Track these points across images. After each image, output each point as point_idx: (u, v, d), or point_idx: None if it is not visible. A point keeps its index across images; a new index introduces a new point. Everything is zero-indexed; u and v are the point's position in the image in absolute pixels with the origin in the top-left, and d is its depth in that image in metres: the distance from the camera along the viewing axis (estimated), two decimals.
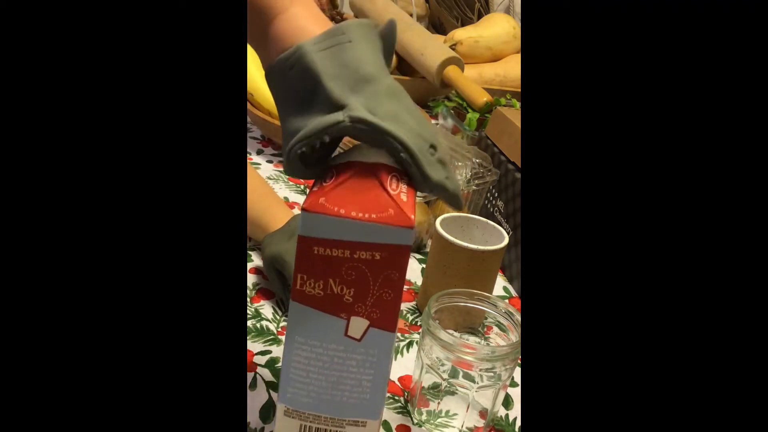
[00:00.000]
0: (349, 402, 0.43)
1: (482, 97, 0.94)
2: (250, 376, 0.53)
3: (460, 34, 1.19)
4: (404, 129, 0.38)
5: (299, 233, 0.39)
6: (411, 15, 1.33)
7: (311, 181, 0.86)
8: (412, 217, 0.39)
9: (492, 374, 0.49)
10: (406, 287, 0.70)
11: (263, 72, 0.91)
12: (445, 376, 0.49)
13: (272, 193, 0.69)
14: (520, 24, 1.26)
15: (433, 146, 0.40)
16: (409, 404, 0.53)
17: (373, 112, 0.38)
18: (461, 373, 0.49)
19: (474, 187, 0.71)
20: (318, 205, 0.38)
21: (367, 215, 0.38)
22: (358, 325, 0.41)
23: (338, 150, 0.43)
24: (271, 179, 0.85)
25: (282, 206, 0.67)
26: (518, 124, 0.73)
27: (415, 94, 1.12)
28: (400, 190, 0.39)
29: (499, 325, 0.54)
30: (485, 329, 0.58)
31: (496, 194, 0.76)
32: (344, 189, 0.38)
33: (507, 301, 0.68)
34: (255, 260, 0.67)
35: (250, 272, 0.66)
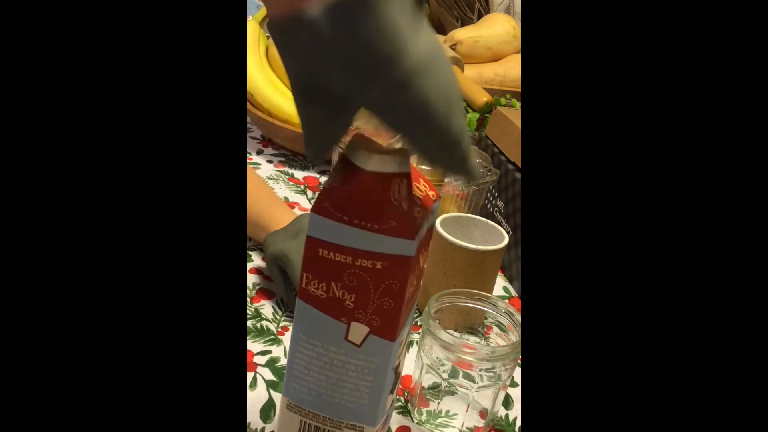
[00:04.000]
0: (348, 405, 0.43)
1: (482, 97, 0.94)
2: (250, 376, 0.53)
3: (460, 34, 1.19)
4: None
5: (307, 233, 0.39)
6: None
7: (312, 181, 0.86)
8: (415, 228, 0.39)
9: (492, 374, 0.48)
10: None
11: (263, 72, 0.91)
12: (445, 376, 0.49)
13: (271, 193, 0.69)
14: (520, 24, 1.26)
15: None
16: (409, 404, 0.53)
17: (390, 109, 0.31)
18: (461, 373, 0.49)
19: (474, 187, 0.71)
20: (323, 208, 0.38)
21: (369, 224, 0.38)
22: (358, 330, 0.41)
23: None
24: (271, 179, 0.85)
25: (282, 206, 0.67)
26: (518, 124, 0.73)
27: None
28: (402, 198, 0.38)
29: (499, 325, 0.54)
30: (485, 329, 0.58)
31: (496, 194, 0.76)
32: (350, 194, 0.38)
33: (507, 301, 0.68)
34: (255, 260, 0.67)
35: (250, 272, 0.66)
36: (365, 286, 0.40)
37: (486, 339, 0.58)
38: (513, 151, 0.74)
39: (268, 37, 0.98)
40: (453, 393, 0.51)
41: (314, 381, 0.43)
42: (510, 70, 1.19)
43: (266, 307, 0.61)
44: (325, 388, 0.43)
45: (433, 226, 0.44)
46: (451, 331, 0.49)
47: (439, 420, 0.51)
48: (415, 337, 0.61)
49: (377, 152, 0.38)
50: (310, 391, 0.44)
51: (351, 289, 0.40)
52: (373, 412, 0.43)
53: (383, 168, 0.38)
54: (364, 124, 0.79)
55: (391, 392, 0.45)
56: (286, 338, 0.58)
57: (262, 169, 0.88)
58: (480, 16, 1.39)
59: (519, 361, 0.57)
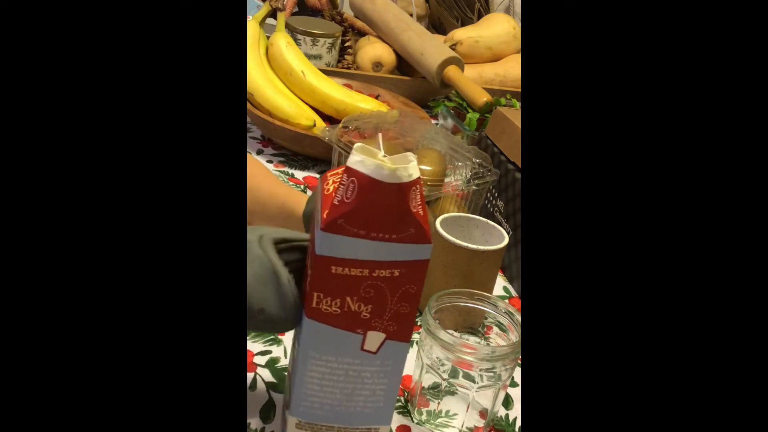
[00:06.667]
0: (363, 412, 0.43)
1: (482, 97, 0.94)
2: (250, 376, 0.53)
3: (460, 34, 1.19)
4: None
5: (317, 252, 0.38)
6: (411, 15, 1.33)
7: (312, 181, 0.86)
8: (430, 231, 0.38)
9: (492, 374, 0.48)
10: None
11: (263, 72, 0.91)
12: (445, 376, 0.49)
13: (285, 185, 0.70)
14: (520, 24, 1.26)
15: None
16: (409, 404, 0.53)
17: None
18: (461, 373, 0.49)
19: (474, 187, 0.71)
20: (337, 226, 0.37)
21: (388, 235, 0.37)
22: (374, 339, 0.40)
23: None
24: None
25: (297, 192, 0.67)
26: (518, 124, 0.73)
27: (415, 94, 1.12)
28: (418, 204, 0.38)
29: (499, 325, 0.54)
30: (485, 329, 0.57)
31: (496, 194, 0.76)
32: (369, 208, 0.37)
33: (507, 301, 0.68)
34: None
35: None
36: (382, 296, 0.39)
37: (486, 339, 0.58)
38: (513, 151, 0.74)
39: (268, 37, 0.98)
40: (453, 393, 0.51)
41: (327, 395, 0.42)
42: (510, 70, 1.19)
43: None
44: (339, 400, 0.42)
45: None
46: (451, 331, 0.49)
47: (439, 420, 0.51)
48: (415, 337, 0.61)
49: (391, 162, 0.37)
50: (323, 406, 0.42)
51: (368, 300, 0.39)
52: (388, 412, 0.43)
53: (402, 178, 0.37)
54: (363, 124, 0.79)
55: None
56: (286, 338, 0.58)
57: None
58: (480, 16, 1.39)
59: (519, 361, 0.57)
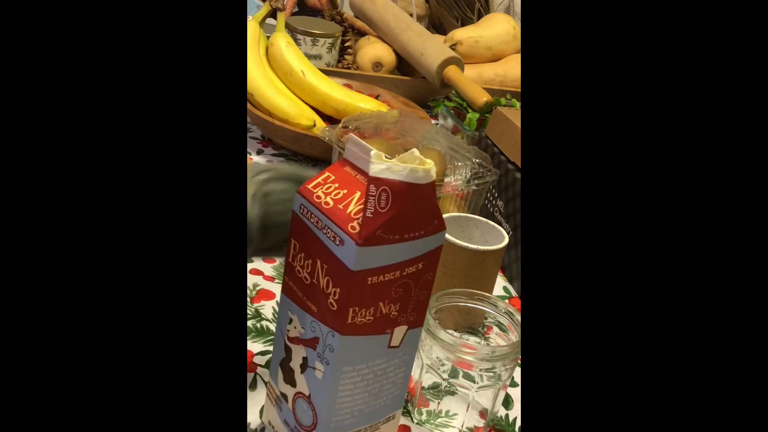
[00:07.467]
0: (386, 404, 0.43)
1: (482, 97, 0.94)
2: (250, 376, 0.53)
3: (460, 34, 1.19)
4: None
5: (353, 269, 0.37)
6: (411, 15, 1.33)
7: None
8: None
9: (492, 374, 0.48)
10: None
11: (263, 72, 0.91)
12: (445, 376, 0.49)
13: None
14: (520, 24, 1.26)
15: None
16: (409, 404, 0.53)
17: None
18: (461, 373, 0.49)
19: (474, 187, 0.71)
20: (374, 238, 0.36)
21: (418, 233, 0.38)
22: (399, 333, 0.41)
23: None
24: None
25: None
26: (518, 124, 0.73)
27: (415, 94, 1.12)
28: (435, 194, 0.38)
29: (499, 325, 0.54)
30: (485, 329, 0.57)
31: (496, 194, 0.76)
32: (402, 212, 0.37)
33: (507, 301, 0.68)
34: (255, 261, 0.67)
35: (250, 273, 0.66)
36: (408, 291, 0.39)
37: (486, 339, 0.58)
38: (513, 151, 0.74)
39: (268, 37, 0.98)
40: (453, 393, 0.51)
41: (357, 403, 0.42)
42: (510, 70, 1.19)
43: (266, 307, 0.61)
44: (367, 402, 0.42)
45: None
46: (451, 331, 0.49)
47: (439, 420, 0.51)
48: None
49: (419, 162, 0.37)
50: (353, 415, 0.42)
51: (396, 300, 0.39)
52: (402, 396, 0.44)
53: (434, 176, 0.37)
54: (363, 124, 0.79)
55: None
56: None
57: None
58: (480, 16, 1.39)
59: (519, 361, 0.57)
